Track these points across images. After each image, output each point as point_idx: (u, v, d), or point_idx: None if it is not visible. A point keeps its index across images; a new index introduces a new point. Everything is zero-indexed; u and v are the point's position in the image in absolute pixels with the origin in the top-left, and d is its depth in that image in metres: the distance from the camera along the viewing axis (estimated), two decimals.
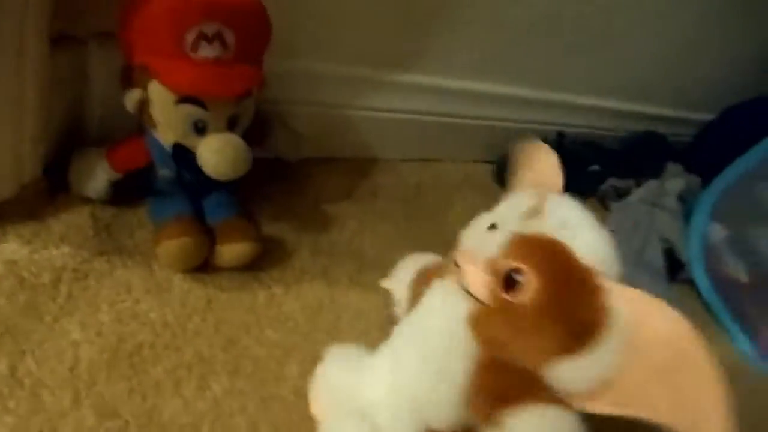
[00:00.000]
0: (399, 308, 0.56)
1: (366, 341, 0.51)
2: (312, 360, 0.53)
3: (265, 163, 0.73)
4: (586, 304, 0.34)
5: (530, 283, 0.34)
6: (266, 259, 0.65)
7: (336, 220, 0.76)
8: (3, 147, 0.51)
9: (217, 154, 0.52)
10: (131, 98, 0.52)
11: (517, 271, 0.35)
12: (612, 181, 1.00)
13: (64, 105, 0.57)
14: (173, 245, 0.55)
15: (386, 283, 0.60)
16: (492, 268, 0.37)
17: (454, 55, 0.83)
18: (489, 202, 0.45)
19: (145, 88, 0.52)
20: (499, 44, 0.84)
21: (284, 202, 0.74)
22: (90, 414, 0.47)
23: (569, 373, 0.35)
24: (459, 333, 0.38)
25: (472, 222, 0.45)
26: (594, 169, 1.00)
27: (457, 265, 0.39)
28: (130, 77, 0.53)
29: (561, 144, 0.96)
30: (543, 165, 0.45)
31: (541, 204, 0.39)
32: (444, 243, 0.82)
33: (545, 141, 0.49)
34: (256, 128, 0.62)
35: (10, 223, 0.55)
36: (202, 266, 0.60)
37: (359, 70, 0.77)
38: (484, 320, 0.37)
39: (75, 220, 0.58)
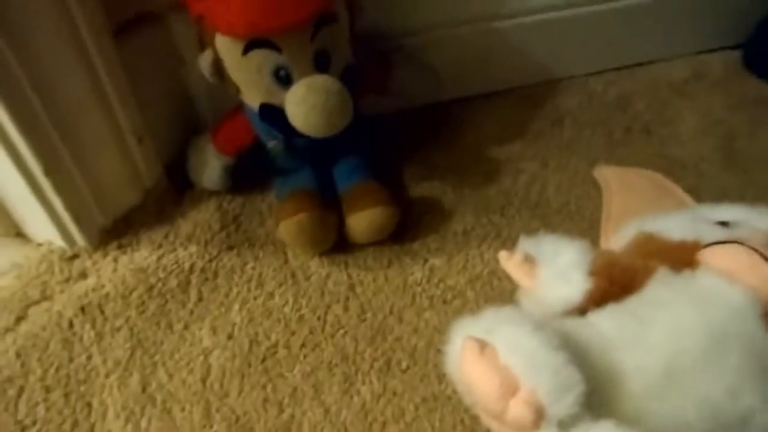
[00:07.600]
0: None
1: None
2: None
3: (404, 113, 0.62)
4: None
5: None
6: (420, 226, 0.54)
7: (506, 165, 0.61)
8: (109, 151, 0.49)
9: (301, 104, 0.41)
10: (203, 62, 0.45)
11: None
12: None
13: (162, 90, 0.53)
14: (290, 224, 0.47)
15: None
16: None
17: None
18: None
19: (213, 46, 0.44)
20: None
21: (436, 155, 0.61)
22: (222, 430, 0.42)
23: None
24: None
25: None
26: None
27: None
28: (202, 40, 0.45)
29: None
30: None
31: None
32: (671, 167, 0.59)
33: None
34: (369, 69, 0.50)
35: (143, 230, 0.53)
36: (343, 247, 0.52)
37: None
38: None
39: (202, 216, 0.54)
